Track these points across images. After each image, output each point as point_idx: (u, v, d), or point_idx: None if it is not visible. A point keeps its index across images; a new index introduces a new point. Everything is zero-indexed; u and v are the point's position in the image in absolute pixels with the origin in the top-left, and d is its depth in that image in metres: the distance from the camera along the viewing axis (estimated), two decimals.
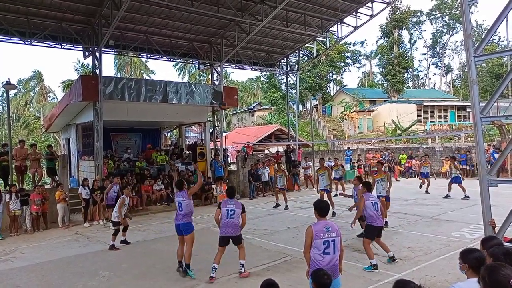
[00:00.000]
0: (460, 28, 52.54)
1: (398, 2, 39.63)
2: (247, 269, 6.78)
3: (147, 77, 39.69)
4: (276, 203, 14.05)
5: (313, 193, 16.73)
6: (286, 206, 13.59)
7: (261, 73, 47.82)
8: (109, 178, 13.01)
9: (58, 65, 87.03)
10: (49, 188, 13.13)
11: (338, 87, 51.52)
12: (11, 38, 13.33)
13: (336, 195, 13.84)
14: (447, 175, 16.38)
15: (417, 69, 63.95)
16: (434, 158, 22.53)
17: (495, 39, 48.85)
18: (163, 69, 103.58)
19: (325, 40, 19.65)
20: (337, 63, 46.26)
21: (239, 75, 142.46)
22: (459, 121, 36.61)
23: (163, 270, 7.26)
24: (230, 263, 7.33)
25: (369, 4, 16.43)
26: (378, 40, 52.51)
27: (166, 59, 18.02)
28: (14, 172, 12.84)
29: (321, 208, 4.56)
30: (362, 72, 66.78)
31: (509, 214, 5.16)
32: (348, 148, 24.97)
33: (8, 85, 12.90)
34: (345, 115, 37.76)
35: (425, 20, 59.58)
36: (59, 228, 11.75)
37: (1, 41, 13.52)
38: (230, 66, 20.28)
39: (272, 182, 18.43)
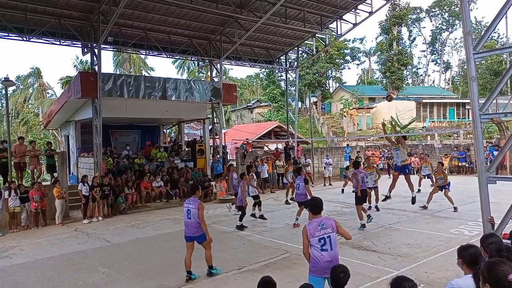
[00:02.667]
0: (460, 25, 52.41)
1: None
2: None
3: (146, 74, 39.62)
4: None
5: (312, 190, 16.70)
6: (291, 199, 13.74)
7: (260, 70, 47.72)
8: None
9: (56, 61, 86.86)
10: (48, 185, 13.12)
11: (337, 84, 51.45)
12: (9, 35, 13.24)
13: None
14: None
15: (416, 66, 64.01)
16: (433, 155, 22.52)
17: (494, 36, 48.86)
18: (162, 66, 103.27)
19: (324, 37, 19.58)
20: (337, 60, 46.16)
21: (238, 72, 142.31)
22: (458, 118, 36.69)
23: (163, 266, 7.28)
24: (230, 260, 7.37)
25: (369, 1, 16.40)
26: (377, 37, 52.52)
27: (165, 56, 17.92)
28: (13, 169, 12.83)
29: (313, 206, 4.57)
30: (362, 69, 66.86)
31: (508, 211, 5.18)
32: (348, 145, 24.92)
33: (6, 81, 12.87)
34: (344, 112, 37.75)
35: (424, 17, 59.55)
36: (57, 224, 11.75)
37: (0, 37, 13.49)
38: (229, 63, 20.23)
39: (271, 179, 18.52)
